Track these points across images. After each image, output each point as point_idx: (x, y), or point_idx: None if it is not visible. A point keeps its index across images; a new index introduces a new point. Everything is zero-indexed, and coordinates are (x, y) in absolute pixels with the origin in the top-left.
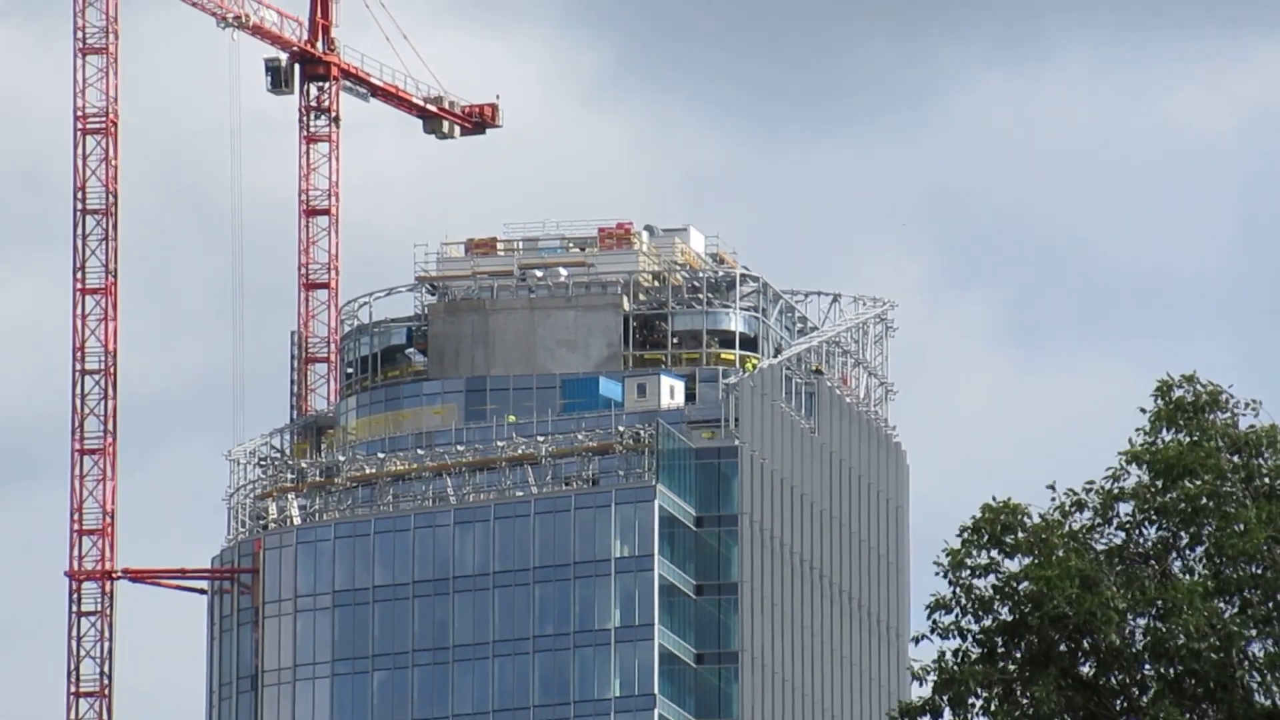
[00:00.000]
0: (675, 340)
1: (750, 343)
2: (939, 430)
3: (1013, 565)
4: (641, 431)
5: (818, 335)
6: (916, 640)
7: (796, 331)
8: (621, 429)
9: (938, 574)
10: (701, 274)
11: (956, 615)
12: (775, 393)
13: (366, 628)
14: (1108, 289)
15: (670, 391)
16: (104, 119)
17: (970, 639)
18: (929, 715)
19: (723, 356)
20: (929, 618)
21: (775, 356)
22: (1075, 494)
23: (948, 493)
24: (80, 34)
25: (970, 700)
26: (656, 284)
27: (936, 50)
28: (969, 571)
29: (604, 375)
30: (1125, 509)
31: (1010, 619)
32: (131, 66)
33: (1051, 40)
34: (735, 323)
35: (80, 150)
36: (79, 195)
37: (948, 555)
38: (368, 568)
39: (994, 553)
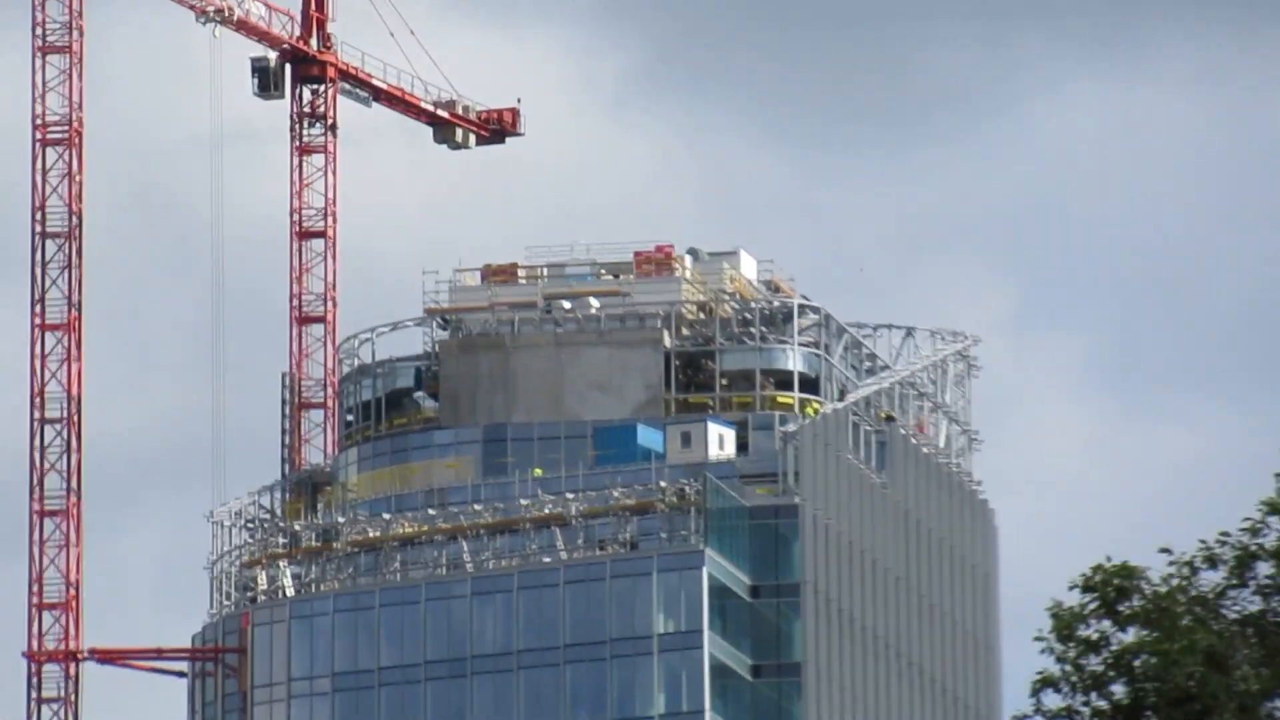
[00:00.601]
0: (724, 381)
1: (811, 384)
2: (1030, 485)
3: (1127, 637)
4: (686, 487)
5: (889, 375)
6: None
7: (865, 371)
8: (663, 484)
9: (1042, 650)
10: (754, 304)
11: (1065, 695)
12: (841, 442)
13: (371, 716)
14: (1220, 326)
15: (719, 441)
16: (66, 128)
17: None
18: None
19: (779, 400)
20: (1033, 696)
21: (840, 400)
22: (1207, 547)
23: (1042, 557)
24: (39, 30)
25: None
26: (702, 316)
27: (1018, 50)
28: (1079, 645)
29: (642, 422)
30: (1265, 569)
31: (1127, 700)
32: (98, 68)
33: (1153, 37)
34: (794, 361)
35: (39, 164)
36: (38, 216)
37: (1053, 617)
38: (372, 646)
39: (1106, 622)
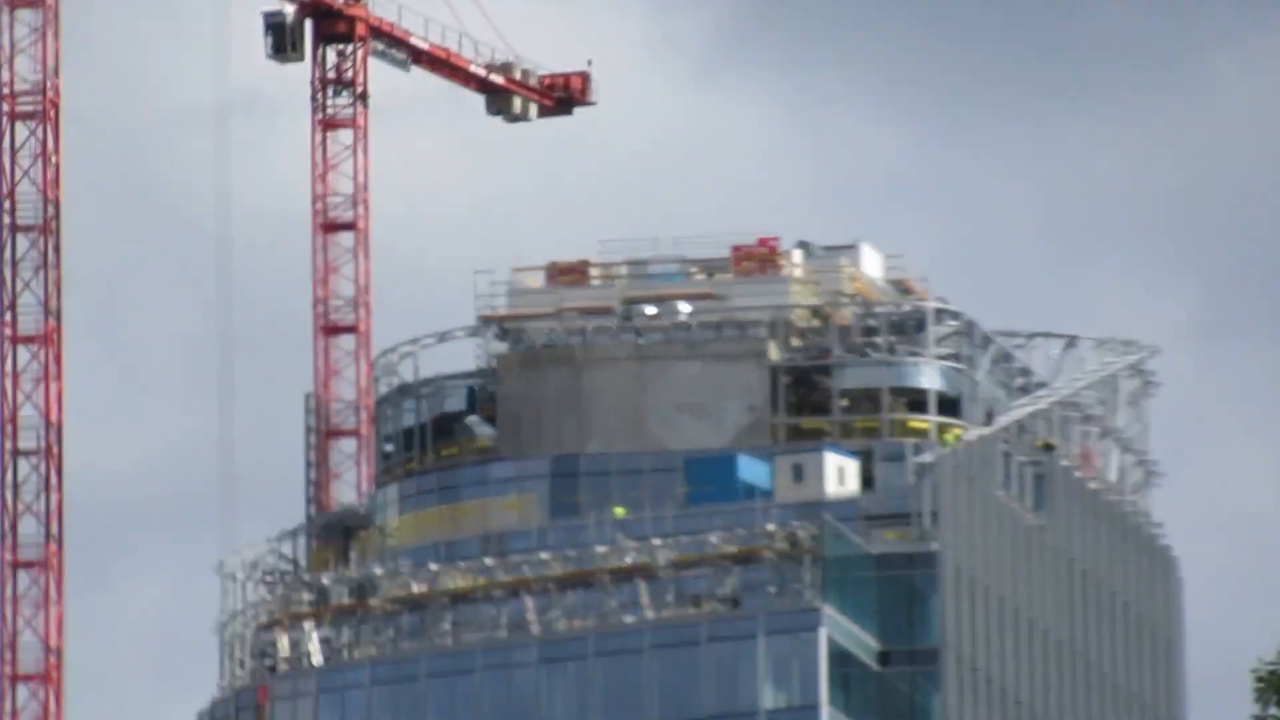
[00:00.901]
0: (844, 403)
1: (951, 405)
2: (1222, 528)
3: None
4: (799, 531)
5: (1047, 394)
6: None
7: (1016, 389)
8: (771, 528)
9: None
10: (880, 309)
11: None
12: (988, 476)
13: None
14: None
15: (839, 474)
16: (39, 99)
17: None
18: None
19: (912, 425)
20: None
21: (987, 424)
22: None
23: (1237, 615)
24: None
25: None
26: (816, 323)
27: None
28: None
29: (744, 453)
30: None
31: None
32: (78, 26)
33: None
34: (929, 377)
35: (7, 143)
36: (6, 206)
37: (1258, 681)
38: None
39: None
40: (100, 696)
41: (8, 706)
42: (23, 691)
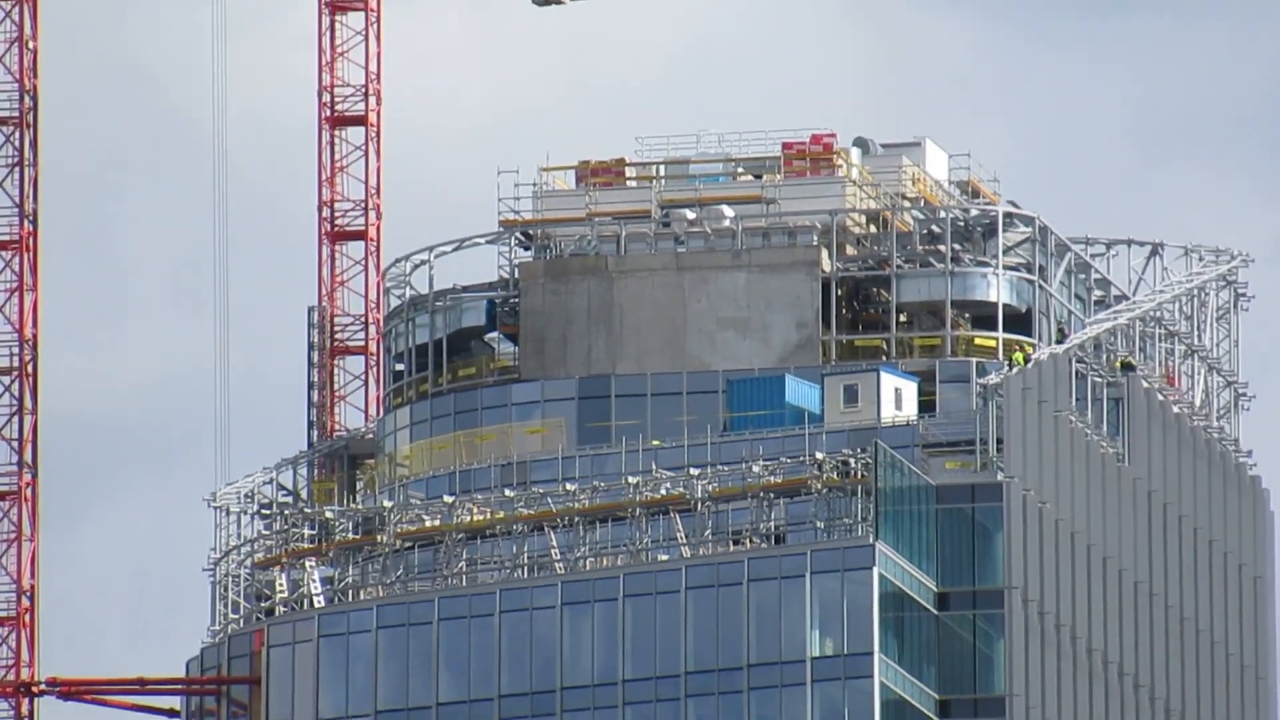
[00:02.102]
0: (903, 318)
1: (1021, 321)
2: None
3: None
4: (852, 460)
5: (1127, 308)
6: None
7: (1094, 303)
8: (820, 456)
9: None
10: (944, 214)
11: None
12: (1061, 399)
13: None
14: None
15: (896, 397)
16: None
17: None
18: None
19: (978, 342)
20: None
21: (1061, 342)
22: None
23: None
24: None
25: None
26: (873, 230)
27: None
28: None
29: (792, 373)
30: None
31: None
32: None
33: None
34: (997, 289)
35: None
36: None
37: None
38: (428, 674)
39: None
40: (78, 643)
41: None
42: None
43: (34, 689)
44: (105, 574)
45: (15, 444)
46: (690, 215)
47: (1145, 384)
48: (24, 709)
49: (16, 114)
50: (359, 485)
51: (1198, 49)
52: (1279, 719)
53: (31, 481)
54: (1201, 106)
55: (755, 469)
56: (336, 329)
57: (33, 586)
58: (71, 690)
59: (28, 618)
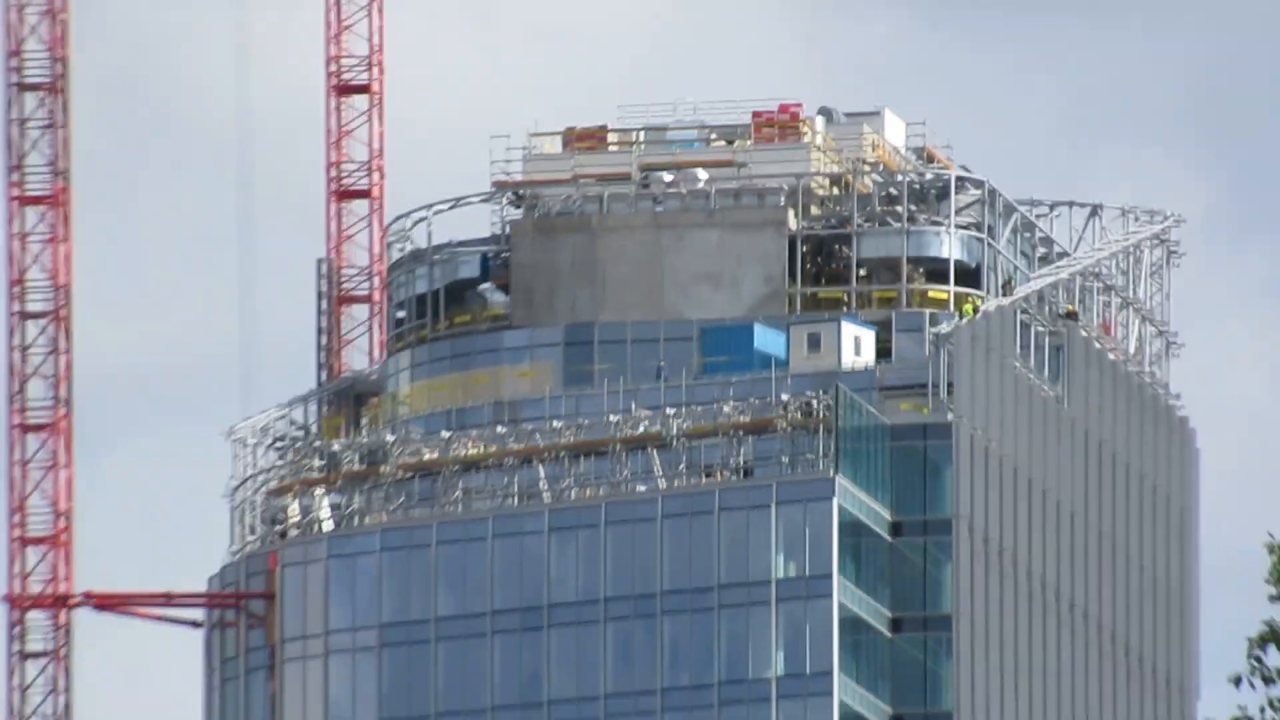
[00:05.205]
0: (862, 272)
1: (971, 275)
2: (1242, 400)
3: None
4: (814, 401)
5: (1068, 264)
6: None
7: (1037, 259)
8: (785, 398)
9: (1274, 597)
10: (901, 177)
11: None
12: (1007, 346)
13: (426, 677)
14: None
15: (855, 344)
16: None
17: None
18: None
19: (931, 295)
20: (1250, 656)
21: (1007, 295)
22: None
23: (1253, 489)
24: None
25: None
26: (836, 191)
27: None
28: None
29: (760, 322)
30: None
31: None
32: None
33: None
34: (950, 246)
35: None
36: (12, 63)
37: (1271, 552)
38: (427, 592)
39: None
40: (111, 560)
41: (17, 569)
42: (33, 554)
43: (70, 601)
44: (135, 500)
45: (51, 381)
46: (667, 178)
47: (1084, 333)
48: (62, 619)
49: (49, 79)
50: (364, 421)
51: (1125, 40)
52: (1200, 634)
53: (66, 415)
54: (1133, 88)
55: (726, 409)
56: (343, 280)
57: (68, 509)
58: (104, 602)
59: (65, 537)
